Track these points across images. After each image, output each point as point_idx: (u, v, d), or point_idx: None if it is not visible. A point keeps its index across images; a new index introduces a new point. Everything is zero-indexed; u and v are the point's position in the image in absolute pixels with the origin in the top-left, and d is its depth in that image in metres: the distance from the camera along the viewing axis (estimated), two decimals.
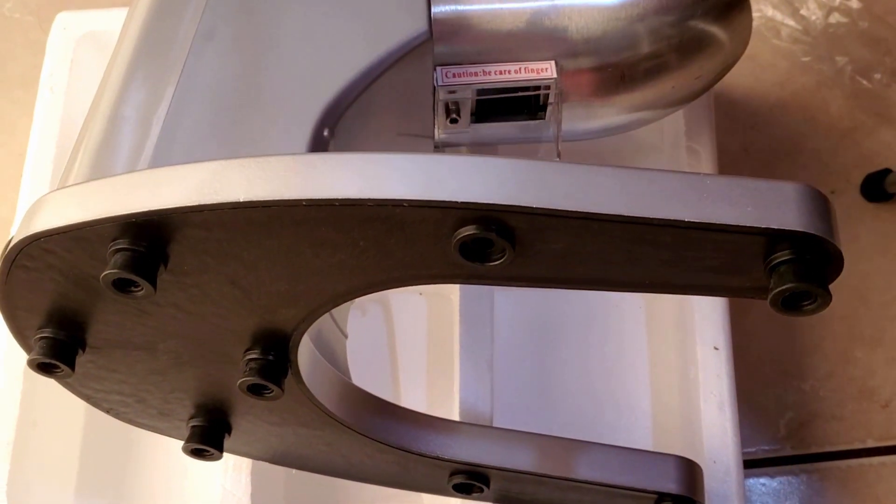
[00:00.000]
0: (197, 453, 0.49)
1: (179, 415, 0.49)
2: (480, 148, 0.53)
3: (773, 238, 0.32)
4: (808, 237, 0.32)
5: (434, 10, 0.46)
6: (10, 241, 0.37)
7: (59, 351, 0.42)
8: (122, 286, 0.36)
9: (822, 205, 0.33)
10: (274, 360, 0.42)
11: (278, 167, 0.34)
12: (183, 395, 0.47)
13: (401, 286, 0.38)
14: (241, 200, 0.34)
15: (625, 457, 0.50)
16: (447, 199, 0.33)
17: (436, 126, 0.50)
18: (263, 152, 0.41)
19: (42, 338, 0.42)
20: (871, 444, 0.64)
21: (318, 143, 0.41)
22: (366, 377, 0.55)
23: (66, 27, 0.65)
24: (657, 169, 0.33)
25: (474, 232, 0.33)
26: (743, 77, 0.70)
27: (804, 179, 0.71)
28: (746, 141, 0.72)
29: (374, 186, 0.33)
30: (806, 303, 0.33)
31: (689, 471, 0.50)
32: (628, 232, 0.33)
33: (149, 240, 0.36)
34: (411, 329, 0.64)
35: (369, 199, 0.33)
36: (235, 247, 0.36)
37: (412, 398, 0.62)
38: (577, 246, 0.34)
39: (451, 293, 0.61)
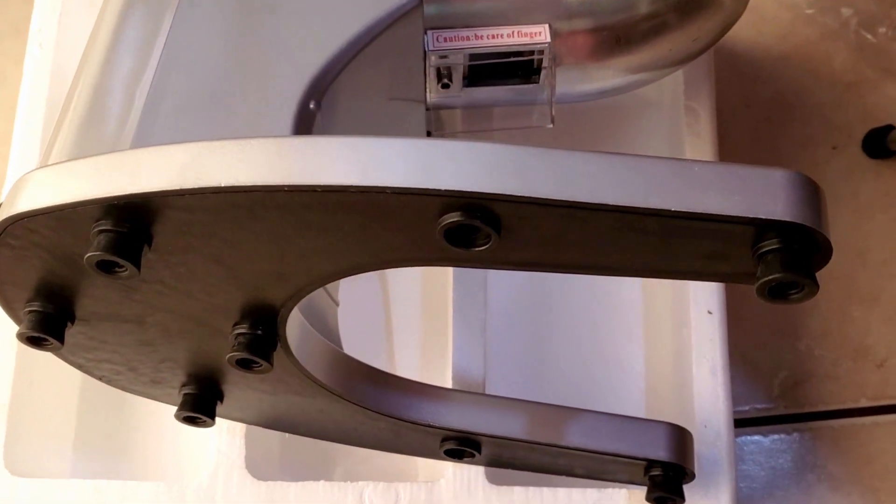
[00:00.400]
0: (189, 420, 0.49)
1: (171, 383, 0.49)
2: (472, 123, 0.52)
3: (762, 227, 0.32)
4: (796, 227, 0.31)
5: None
6: None
7: (48, 324, 0.42)
8: (106, 267, 0.36)
9: (811, 193, 0.32)
10: (262, 334, 0.42)
11: (260, 151, 0.34)
12: (174, 364, 0.47)
13: (389, 268, 0.37)
14: (223, 185, 0.33)
15: (615, 424, 0.51)
16: (431, 187, 0.32)
17: (427, 90, 0.49)
18: (248, 126, 0.40)
19: (31, 311, 0.42)
20: (864, 403, 0.64)
21: (305, 117, 0.40)
22: (359, 342, 0.55)
23: None
24: (645, 155, 0.33)
25: (459, 219, 0.33)
26: (745, 29, 0.68)
27: (806, 135, 0.70)
28: (748, 95, 0.71)
29: (357, 172, 0.33)
30: (793, 292, 0.32)
31: (680, 438, 0.50)
32: (615, 220, 0.32)
33: (132, 221, 0.35)
34: (405, 292, 0.64)
35: (351, 186, 0.32)
36: (219, 228, 0.36)
37: (406, 361, 0.62)
38: (563, 232, 0.33)
39: None
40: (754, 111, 0.70)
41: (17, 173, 0.59)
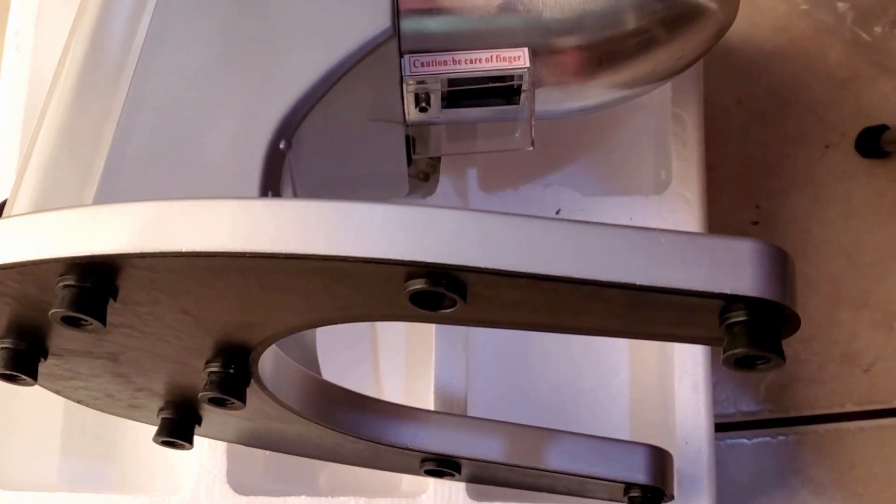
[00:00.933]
0: (167, 444, 0.49)
1: (149, 407, 0.49)
2: (453, 144, 0.51)
3: (729, 299, 0.31)
4: (763, 302, 0.31)
5: (402, 16, 0.43)
6: None
7: (20, 362, 0.42)
8: (72, 321, 0.36)
9: (779, 264, 0.31)
10: (235, 372, 0.41)
11: (222, 215, 0.33)
12: (150, 392, 0.47)
13: (359, 321, 0.37)
14: (184, 251, 0.33)
15: (595, 447, 0.51)
16: (394, 258, 0.32)
17: (405, 112, 0.48)
18: (216, 170, 0.40)
19: (2, 349, 0.42)
20: (850, 408, 0.64)
21: (274, 158, 0.40)
22: (342, 358, 0.55)
23: None
24: (610, 224, 0.32)
25: (423, 286, 0.32)
26: (739, 21, 0.66)
27: (798, 132, 0.69)
28: (740, 91, 0.69)
29: (320, 241, 0.32)
30: (760, 363, 0.32)
31: (659, 460, 0.50)
32: (580, 290, 0.32)
33: (95, 277, 0.35)
34: None
35: (313, 255, 0.32)
36: (183, 286, 0.35)
37: (389, 376, 0.62)
38: (529, 299, 0.33)
39: None
40: (746, 109, 0.69)
41: None
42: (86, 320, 0.35)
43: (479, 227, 0.32)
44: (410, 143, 0.52)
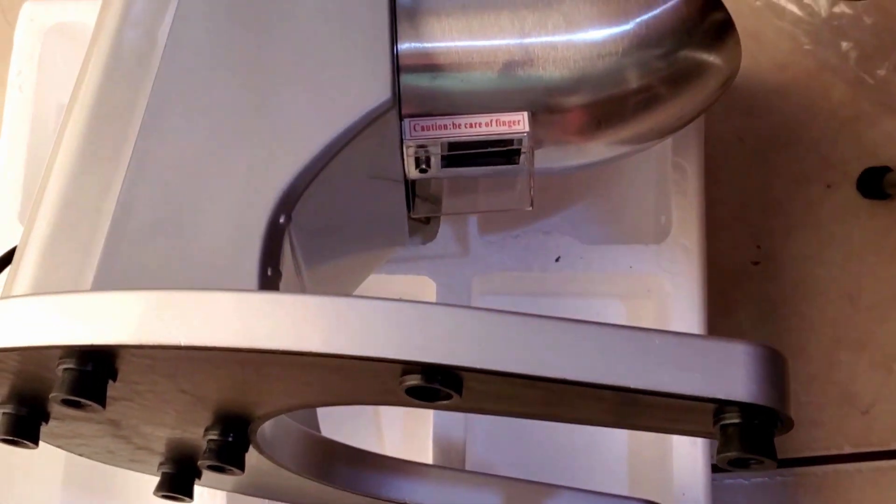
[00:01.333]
0: (168, 498, 0.50)
1: (150, 462, 0.49)
2: (453, 203, 0.51)
3: (723, 402, 0.31)
4: (757, 407, 0.31)
5: (402, 76, 0.43)
6: None
7: (21, 427, 0.42)
8: (72, 403, 0.36)
9: (774, 368, 0.32)
10: (234, 440, 0.42)
11: (221, 310, 0.33)
12: (150, 451, 0.47)
13: (356, 404, 0.37)
14: (182, 344, 0.33)
15: (591, 502, 0.51)
16: (389, 357, 0.32)
17: (406, 171, 0.48)
18: (216, 246, 0.40)
19: (4, 414, 0.42)
20: (847, 450, 0.64)
21: (274, 233, 0.40)
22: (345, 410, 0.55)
23: (33, 19, 0.63)
24: (606, 324, 0.32)
25: (419, 382, 0.32)
26: (742, 57, 0.67)
27: (800, 171, 0.69)
28: (742, 128, 0.69)
29: (317, 338, 0.32)
30: (753, 463, 0.32)
31: None
32: (574, 389, 0.32)
33: (95, 361, 0.35)
34: None
35: (308, 352, 0.32)
36: (182, 371, 0.36)
37: (389, 422, 0.62)
38: (522, 395, 0.33)
39: (427, 294, 0.60)
40: (747, 147, 0.69)
41: None
42: (86, 403, 0.36)
43: (474, 326, 0.32)
44: (411, 193, 0.52)
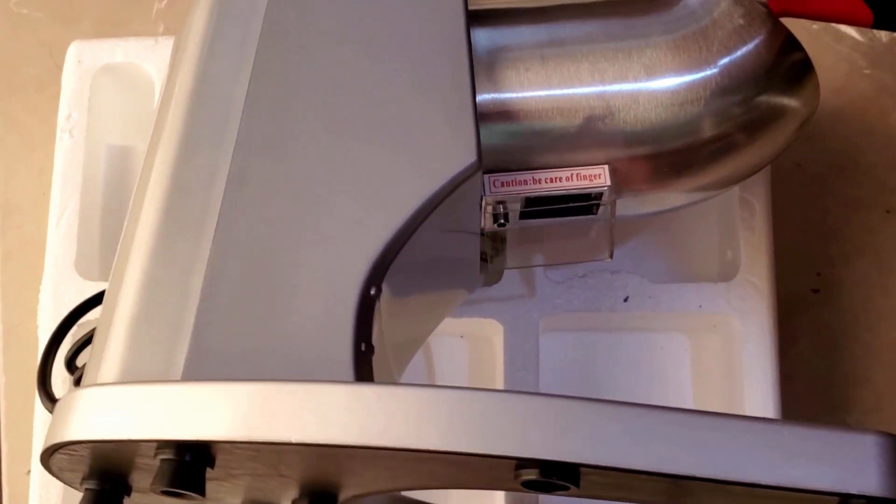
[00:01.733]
0: None
1: None
2: (525, 256, 0.50)
3: (852, 495, 0.31)
4: (885, 500, 0.30)
5: (483, 137, 0.42)
6: (51, 446, 0.36)
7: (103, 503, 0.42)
8: (172, 494, 0.36)
9: None
10: None
11: (329, 404, 0.33)
12: None
13: (459, 489, 0.37)
14: (294, 441, 0.32)
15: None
16: (507, 454, 0.31)
17: (482, 224, 0.48)
18: (308, 321, 0.39)
19: (87, 489, 0.42)
20: None
21: (366, 306, 0.39)
22: None
23: (81, 60, 0.61)
24: (731, 415, 0.31)
25: (535, 477, 0.32)
26: None
27: (858, 197, 0.68)
28: (800, 155, 0.68)
29: (432, 435, 0.32)
30: None
31: None
32: (699, 485, 0.31)
33: (194, 452, 0.35)
34: (451, 372, 0.63)
35: (426, 450, 0.32)
36: (286, 460, 0.35)
37: None
38: (644, 486, 0.32)
39: (494, 335, 0.59)
40: (806, 173, 0.68)
41: (54, 279, 0.58)
42: (186, 494, 0.35)
43: (595, 419, 0.31)
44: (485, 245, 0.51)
